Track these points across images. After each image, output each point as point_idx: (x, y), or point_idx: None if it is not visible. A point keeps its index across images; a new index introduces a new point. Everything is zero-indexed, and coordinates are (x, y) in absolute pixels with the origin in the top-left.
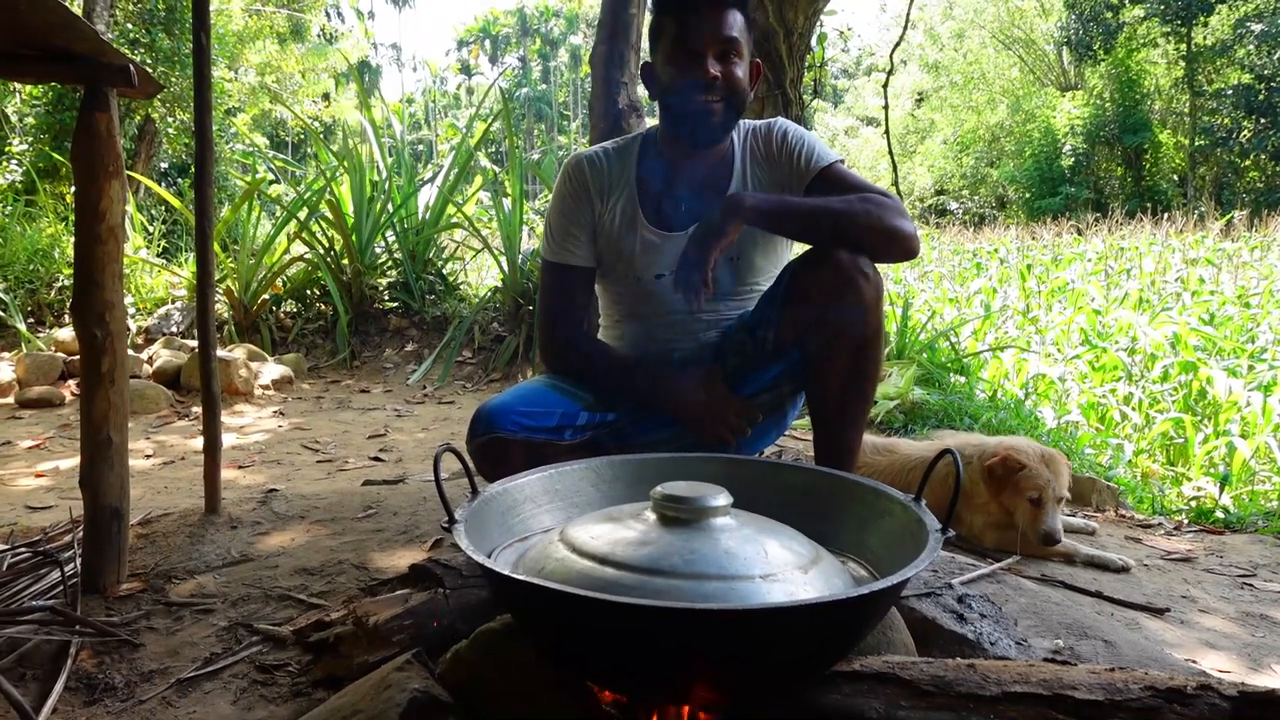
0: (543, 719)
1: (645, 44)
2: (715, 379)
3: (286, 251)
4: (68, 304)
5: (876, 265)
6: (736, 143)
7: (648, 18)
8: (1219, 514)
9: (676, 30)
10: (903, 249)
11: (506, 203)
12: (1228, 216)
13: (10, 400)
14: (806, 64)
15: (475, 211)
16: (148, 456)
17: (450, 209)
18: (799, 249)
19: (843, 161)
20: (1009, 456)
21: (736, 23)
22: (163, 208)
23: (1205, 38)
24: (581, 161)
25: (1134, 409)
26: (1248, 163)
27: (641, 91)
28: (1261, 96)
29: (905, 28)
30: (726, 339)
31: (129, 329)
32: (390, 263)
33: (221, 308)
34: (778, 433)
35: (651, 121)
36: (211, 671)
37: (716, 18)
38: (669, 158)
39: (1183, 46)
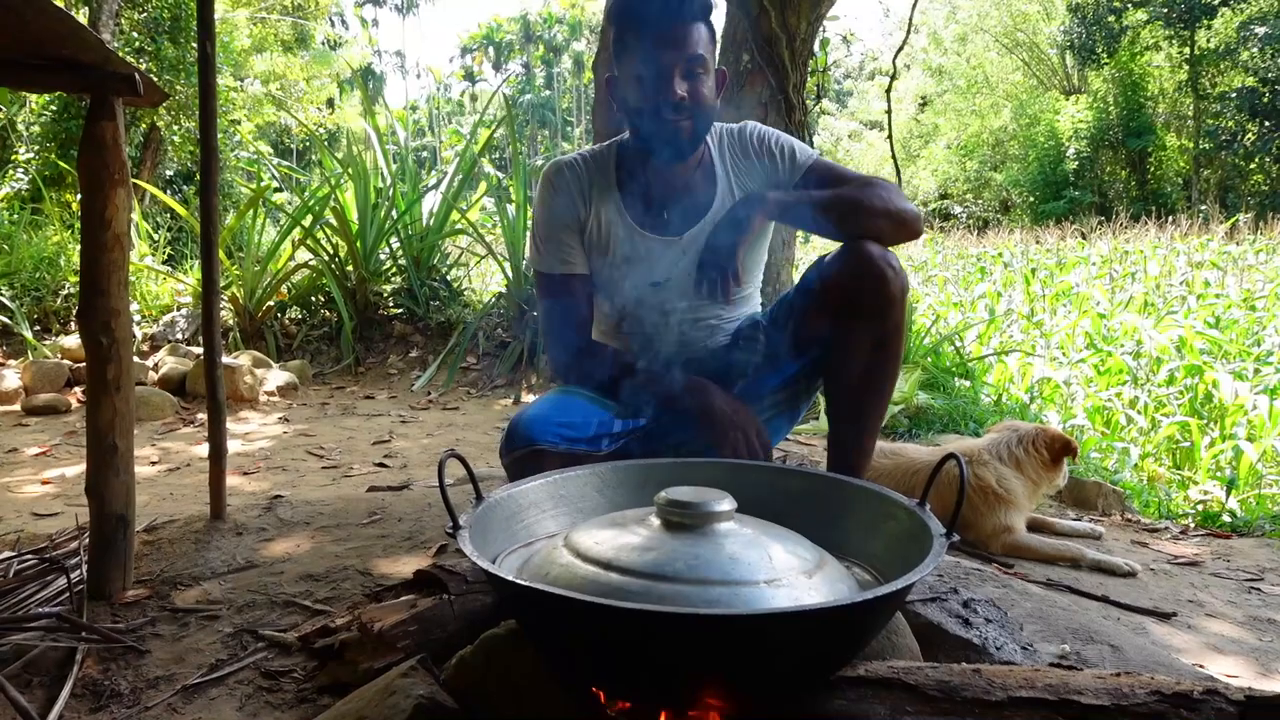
0: None
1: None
2: (741, 404)
3: (291, 258)
4: (74, 311)
5: (899, 261)
6: (712, 146)
7: None
8: (1226, 518)
9: (640, 48)
10: (911, 230)
11: (511, 209)
12: (1232, 220)
13: (17, 407)
14: (809, 69)
15: (479, 218)
16: (153, 463)
17: (454, 215)
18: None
19: (821, 154)
20: (1062, 433)
21: (701, 38)
22: (168, 215)
23: (1209, 41)
24: (561, 167)
25: (1139, 412)
26: (1252, 166)
27: None
28: (1265, 99)
29: (908, 32)
30: (739, 340)
31: (134, 336)
32: (395, 269)
33: (226, 315)
34: (788, 428)
35: None
36: (217, 678)
37: (681, 35)
38: (649, 165)
39: (1186, 50)
